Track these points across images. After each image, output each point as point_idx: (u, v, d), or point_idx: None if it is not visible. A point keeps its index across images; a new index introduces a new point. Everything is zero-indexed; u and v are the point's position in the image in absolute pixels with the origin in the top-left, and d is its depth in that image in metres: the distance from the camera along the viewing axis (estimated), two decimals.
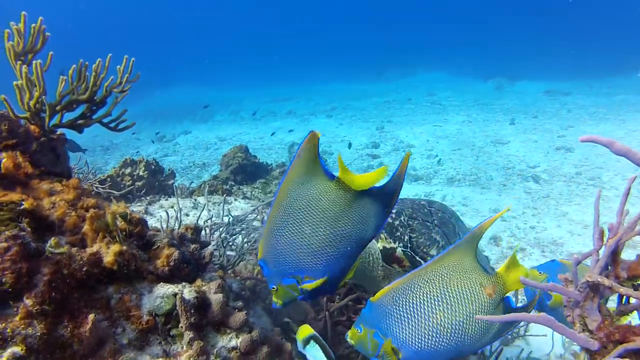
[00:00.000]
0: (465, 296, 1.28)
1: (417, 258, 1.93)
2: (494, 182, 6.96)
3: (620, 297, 1.20)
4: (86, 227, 1.26)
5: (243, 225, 2.40)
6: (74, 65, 1.61)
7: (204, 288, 1.36)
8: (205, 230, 2.52)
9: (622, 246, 1.17)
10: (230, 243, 2.39)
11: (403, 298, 1.26)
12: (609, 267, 1.18)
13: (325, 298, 2.04)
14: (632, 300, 1.19)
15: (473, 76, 18.33)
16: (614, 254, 1.16)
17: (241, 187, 4.86)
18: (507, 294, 1.34)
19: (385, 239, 1.97)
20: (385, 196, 1.35)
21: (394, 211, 2.07)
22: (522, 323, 3.19)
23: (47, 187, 1.34)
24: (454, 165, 7.90)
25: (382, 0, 37.04)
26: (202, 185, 4.70)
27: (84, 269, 1.16)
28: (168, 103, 17.99)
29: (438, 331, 1.25)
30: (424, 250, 1.96)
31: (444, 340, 1.26)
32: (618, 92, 12.88)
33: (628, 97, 12.18)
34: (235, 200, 4.46)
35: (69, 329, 1.13)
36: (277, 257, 1.28)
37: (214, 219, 3.35)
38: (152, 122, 14.31)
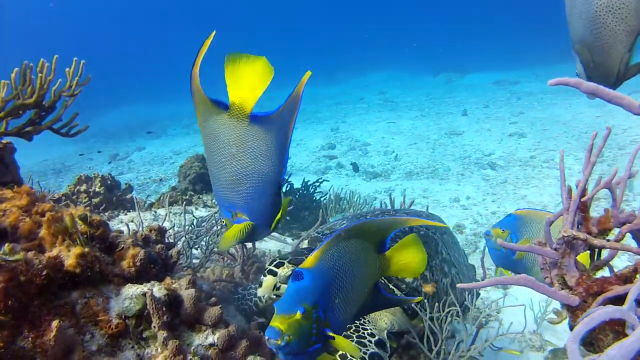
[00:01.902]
0: (362, 269, 1.19)
1: None
2: (452, 173, 7.06)
3: (592, 253, 1.22)
4: (43, 232, 1.18)
5: (207, 225, 2.33)
6: (16, 69, 1.52)
7: (174, 285, 1.29)
8: (169, 239, 2.44)
9: (590, 202, 1.18)
10: (196, 246, 2.32)
11: (336, 265, 1.12)
12: (579, 226, 1.19)
13: None
14: (603, 256, 1.21)
15: (423, 72, 18.65)
16: (584, 210, 1.17)
17: (201, 196, 4.76)
18: (381, 277, 1.29)
19: None
20: (283, 118, 1.26)
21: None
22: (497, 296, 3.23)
23: None
24: (411, 160, 7.98)
25: (326, 4, 37.40)
26: (162, 197, 4.58)
27: (44, 273, 1.08)
28: (119, 122, 17.56)
29: (350, 301, 1.15)
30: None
31: (350, 310, 1.17)
32: None
33: None
34: (196, 209, 4.37)
35: (30, 339, 1.05)
36: (216, 193, 1.27)
37: (176, 228, 3.26)
38: (105, 142, 13.91)
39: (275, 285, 1.55)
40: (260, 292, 1.58)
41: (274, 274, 1.57)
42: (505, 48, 20.04)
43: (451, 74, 17.46)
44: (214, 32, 1.19)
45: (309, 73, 1.20)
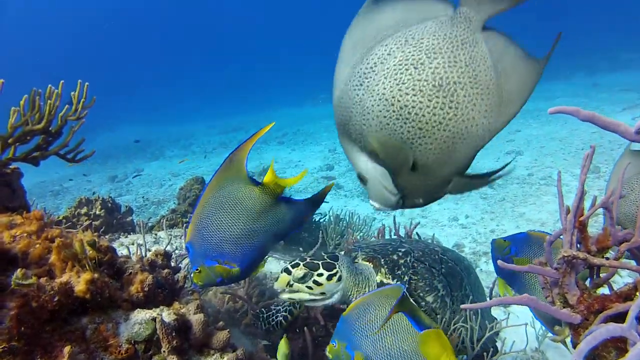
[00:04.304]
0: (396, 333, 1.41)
1: (411, 300, 1.91)
2: None
3: (592, 272, 1.24)
4: (53, 257, 1.20)
5: None
6: (25, 96, 1.55)
7: (182, 310, 1.31)
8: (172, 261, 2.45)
9: (588, 221, 1.21)
10: None
11: (365, 314, 1.42)
12: (579, 245, 1.21)
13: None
14: (602, 274, 1.24)
15: None
16: (582, 230, 1.20)
17: None
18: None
19: (385, 274, 1.95)
20: (303, 206, 1.63)
21: (402, 250, 2.08)
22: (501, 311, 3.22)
23: (5, 220, 1.27)
24: None
25: (321, 22, 37.86)
26: (161, 220, 4.58)
27: (55, 299, 1.10)
28: (117, 143, 17.57)
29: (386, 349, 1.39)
30: (420, 294, 1.92)
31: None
32: (557, 96, 13.42)
33: (567, 99, 12.72)
34: None
35: None
36: (203, 242, 1.46)
37: (177, 251, 3.26)
38: (102, 164, 13.92)
39: (288, 282, 1.74)
40: (276, 285, 1.78)
41: (289, 272, 1.75)
42: None
43: None
44: (274, 122, 1.65)
45: (332, 184, 1.70)
